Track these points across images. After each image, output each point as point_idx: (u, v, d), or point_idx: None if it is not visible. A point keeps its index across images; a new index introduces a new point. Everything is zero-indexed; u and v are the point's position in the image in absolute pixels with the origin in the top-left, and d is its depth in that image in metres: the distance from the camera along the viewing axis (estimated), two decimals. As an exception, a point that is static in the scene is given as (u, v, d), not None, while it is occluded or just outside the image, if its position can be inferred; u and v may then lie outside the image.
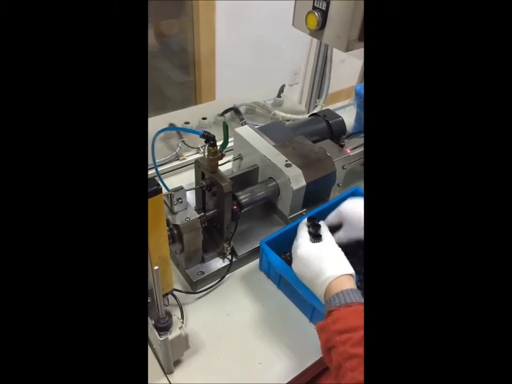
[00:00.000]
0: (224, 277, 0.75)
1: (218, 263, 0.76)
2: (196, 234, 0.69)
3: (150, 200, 0.49)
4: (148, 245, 0.53)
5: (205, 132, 0.63)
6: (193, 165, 0.75)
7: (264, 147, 0.84)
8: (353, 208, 0.72)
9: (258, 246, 0.75)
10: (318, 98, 1.33)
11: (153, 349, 0.63)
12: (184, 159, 1.01)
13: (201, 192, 0.75)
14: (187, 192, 0.69)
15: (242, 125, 1.09)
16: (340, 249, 0.63)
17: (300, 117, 1.18)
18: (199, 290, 0.73)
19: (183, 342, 0.59)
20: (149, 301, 0.61)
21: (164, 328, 0.55)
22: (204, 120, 1.13)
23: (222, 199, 0.68)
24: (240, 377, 0.62)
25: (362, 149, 0.97)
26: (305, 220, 0.67)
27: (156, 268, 0.49)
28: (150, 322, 0.56)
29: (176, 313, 0.59)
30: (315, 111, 1.08)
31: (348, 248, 0.81)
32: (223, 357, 0.64)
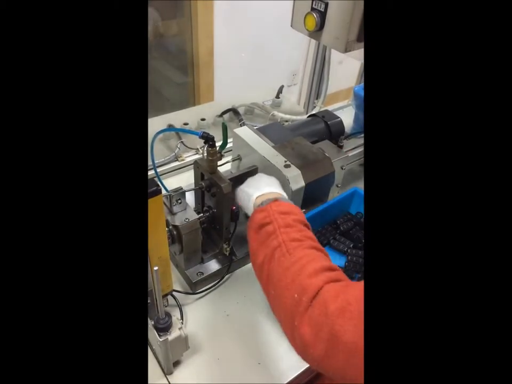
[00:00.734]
0: (223, 277, 0.76)
1: (217, 264, 0.76)
2: (195, 235, 0.69)
3: (149, 201, 0.49)
4: (148, 245, 0.53)
5: (204, 132, 0.63)
6: (192, 165, 0.75)
7: (263, 148, 0.84)
8: None
9: (258, 247, 0.75)
10: (317, 99, 1.34)
11: (152, 350, 0.63)
12: (183, 160, 1.01)
13: (200, 193, 0.75)
14: (186, 193, 0.69)
15: (241, 126, 1.09)
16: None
17: (298, 117, 1.19)
18: (198, 291, 0.73)
19: (183, 343, 0.59)
20: (148, 301, 0.61)
21: (163, 328, 0.55)
22: (202, 121, 1.13)
23: (221, 200, 0.68)
24: (239, 377, 0.62)
25: (361, 149, 0.97)
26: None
27: (155, 268, 0.50)
28: (150, 323, 0.56)
29: (175, 314, 0.59)
30: (314, 112, 1.09)
31: (348, 251, 0.81)
32: (223, 358, 0.64)
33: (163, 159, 0.99)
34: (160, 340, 0.55)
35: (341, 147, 0.93)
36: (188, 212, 0.70)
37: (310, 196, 0.82)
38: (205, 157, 0.68)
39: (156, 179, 0.77)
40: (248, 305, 0.72)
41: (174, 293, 0.69)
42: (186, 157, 1.02)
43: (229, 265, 0.76)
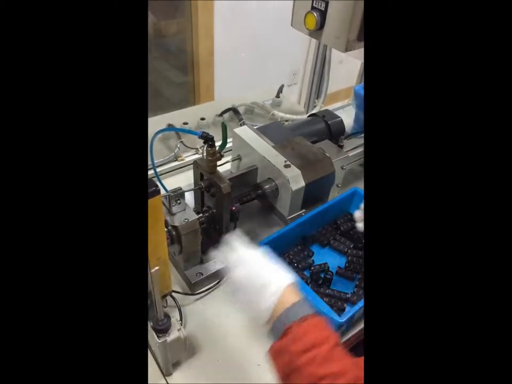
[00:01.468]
0: (223, 278, 0.75)
1: (217, 265, 0.76)
2: (195, 235, 0.69)
3: (148, 201, 0.48)
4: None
5: (203, 132, 0.63)
6: (192, 165, 0.74)
7: (263, 148, 0.83)
8: None
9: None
10: (317, 98, 1.33)
11: (151, 351, 0.63)
12: (182, 159, 1.01)
13: (200, 193, 0.75)
14: (186, 193, 0.68)
15: (241, 126, 1.08)
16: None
17: (298, 117, 1.18)
18: (197, 292, 0.73)
19: (182, 344, 0.58)
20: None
21: (162, 330, 0.55)
22: (202, 121, 1.13)
23: (221, 200, 0.68)
24: (239, 378, 0.62)
25: (361, 149, 0.97)
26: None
27: (154, 269, 0.49)
28: (149, 324, 0.56)
29: (174, 315, 0.59)
30: (314, 112, 1.08)
31: (348, 251, 0.81)
32: (222, 359, 0.64)
33: (162, 159, 0.98)
34: (159, 341, 0.55)
35: (341, 147, 0.93)
36: (187, 212, 0.69)
37: (310, 196, 0.82)
38: (205, 157, 0.68)
39: (155, 179, 0.76)
40: (248, 306, 0.72)
41: (173, 294, 0.68)
42: (185, 157, 1.02)
43: (229, 265, 0.75)
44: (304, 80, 2.41)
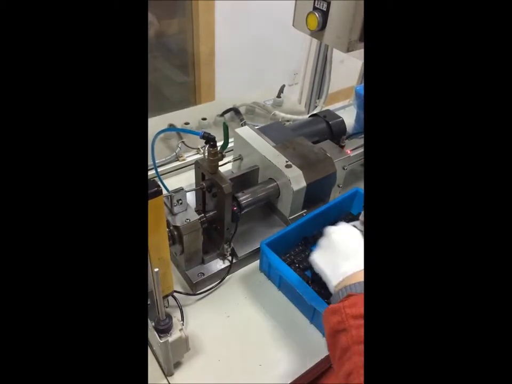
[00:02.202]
0: (224, 278, 0.75)
1: (218, 265, 0.76)
2: (196, 235, 0.69)
3: (150, 201, 0.48)
4: (148, 246, 0.53)
5: (205, 132, 0.63)
6: (193, 165, 0.75)
7: (264, 148, 0.83)
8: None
9: (259, 247, 0.75)
10: (318, 98, 1.33)
11: (153, 351, 0.63)
12: (184, 159, 1.01)
13: (201, 193, 0.75)
14: (187, 193, 0.68)
15: (242, 126, 1.08)
16: None
17: (300, 117, 1.18)
18: (199, 292, 0.73)
19: (184, 344, 0.59)
20: (149, 302, 0.61)
21: (164, 330, 0.55)
22: (203, 121, 1.13)
23: (222, 200, 0.68)
24: (240, 379, 0.62)
25: (362, 149, 0.97)
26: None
27: (156, 269, 0.49)
28: (150, 324, 0.56)
29: (176, 315, 0.59)
30: (315, 112, 1.08)
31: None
32: (224, 359, 0.64)
33: (164, 159, 0.98)
34: (161, 341, 0.55)
35: (342, 147, 0.93)
36: (189, 213, 0.69)
37: (311, 196, 0.82)
38: (206, 157, 0.68)
39: (157, 179, 0.76)
40: (249, 306, 0.72)
41: (174, 294, 0.68)
42: (187, 157, 1.02)
43: (230, 266, 0.75)
44: (305, 80, 2.41)
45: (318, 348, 0.65)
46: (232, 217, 0.71)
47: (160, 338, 0.55)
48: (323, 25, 0.66)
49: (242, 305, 0.72)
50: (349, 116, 1.15)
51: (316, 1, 0.66)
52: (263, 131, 0.89)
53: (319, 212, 0.81)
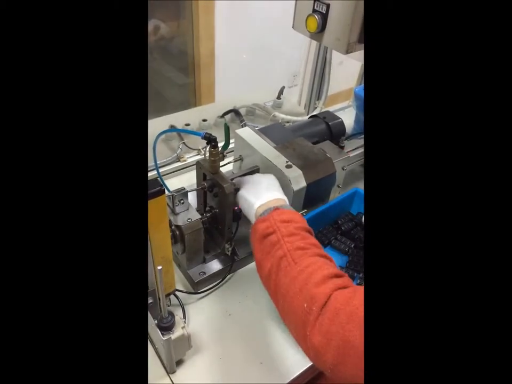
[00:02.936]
0: (225, 277, 0.76)
1: (219, 264, 0.77)
2: (198, 234, 0.70)
3: (153, 201, 0.49)
4: (151, 245, 0.53)
5: (206, 133, 0.64)
6: (194, 166, 0.75)
7: (265, 148, 0.84)
8: None
9: (259, 247, 0.76)
10: (318, 100, 1.34)
11: (155, 349, 0.63)
12: (184, 160, 1.02)
13: (202, 193, 0.75)
14: (188, 193, 0.69)
15: (242, 127, 1.09)
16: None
17: (299, 118, 1.19)
18: (200, 291, 0.73)
19: (186, 342, 0.59)
20: (151, 301, 0.61)
21: (166, 327, 0.56)
22: (204, 122, 1.14)
23: (224, 200, 0.69)
24: (241, 376, 0.62)
25: (362, 150, 0.98)
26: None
27: (159, 268, 0.50)
28: (153, 322, 0.56)
29: (178, 313, 0.60)
30: (315, 113, 1.09)
31: (349, 251, 0.82)
32: (225, 357, 0.65)
33: (165, 160, 0.99)
34: (163, 338, 0.55)
35: (342, 148, 0.94)
36: (190, 212, 0.70)
37: (311, 196, 0.82)
38: (207, 158, 0.69)
39: (158, 179, 0.77)
40: (250, 304, 0.73)
41: (176, 293, 0.69)
42: (188, 158, 1.02)
43: (231, 265, 0.76)
44: (304, 81, 2.42)
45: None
46: (233, 216, 0.71)
47: (162, 335, 0.56)
48: (322, 27, 0.67)
49: (244, 304, 0.73)
50: (348, 117, 1.16)
51: (316, 4, 0.67)
52: (263, 132, 0.90)
53: (319, 211, 0.82)
